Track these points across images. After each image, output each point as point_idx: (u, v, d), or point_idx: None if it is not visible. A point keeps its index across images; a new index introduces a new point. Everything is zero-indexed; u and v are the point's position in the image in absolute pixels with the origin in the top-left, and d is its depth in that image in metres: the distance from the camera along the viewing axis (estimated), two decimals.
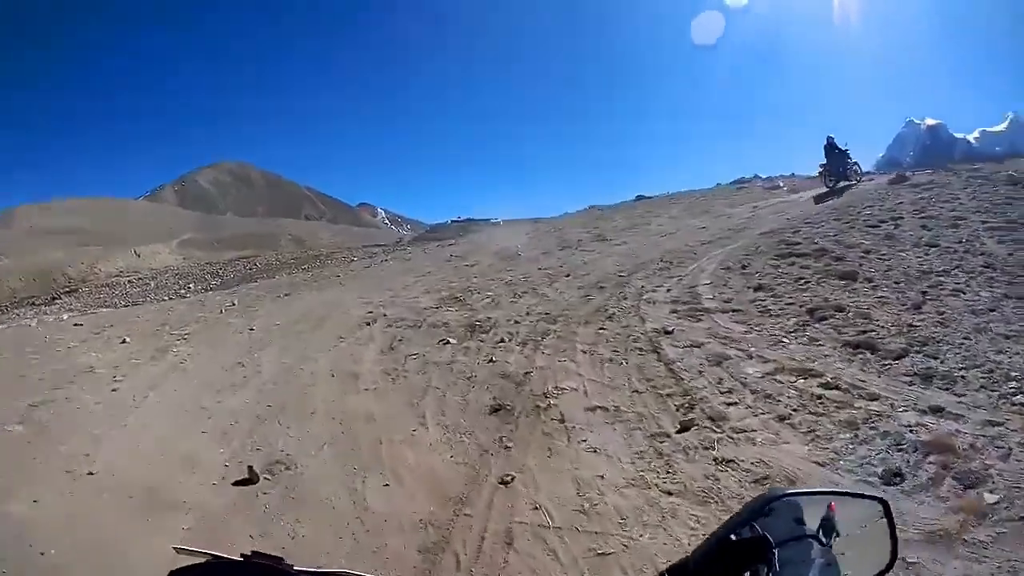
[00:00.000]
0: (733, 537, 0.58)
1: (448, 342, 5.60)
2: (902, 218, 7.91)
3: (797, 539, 0.61)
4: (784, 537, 0.59)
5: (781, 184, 19.32)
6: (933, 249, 6.35)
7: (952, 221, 7.32)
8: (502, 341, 5.44)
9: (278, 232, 46.16)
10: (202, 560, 0.67)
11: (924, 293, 5.14)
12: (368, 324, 6.67)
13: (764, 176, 25.44)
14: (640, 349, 4.85)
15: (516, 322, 6.02)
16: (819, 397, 3.55)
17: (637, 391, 4.05)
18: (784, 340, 4.59)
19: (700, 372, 4.17)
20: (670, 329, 5.16)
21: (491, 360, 4.95)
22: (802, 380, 3.79)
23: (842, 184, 14.73)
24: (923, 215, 7.86)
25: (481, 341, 5.54)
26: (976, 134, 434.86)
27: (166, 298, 15.03)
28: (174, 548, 0.72)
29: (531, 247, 12.16)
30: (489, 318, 6.25)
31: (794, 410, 3.44)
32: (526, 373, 4.55)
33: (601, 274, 8.09)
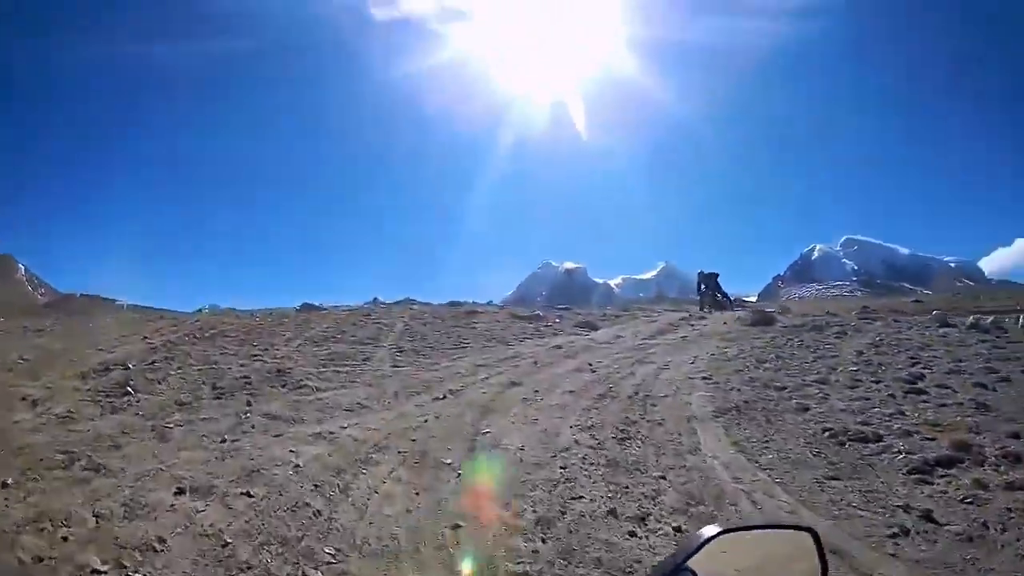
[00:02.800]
0: None
1: None
2: (930, 371, 6.92)
3: None
4: None
5: (555, 318, 13.41)
6: None
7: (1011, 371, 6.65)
8: None
9: None
10: None
11: None
12: None
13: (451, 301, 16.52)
14: None
15: None
16: None
17: None
18: None
19: None
20: None
21: None
22: None
23: (715, 313, 14.76)
24: (965, 369, 6.99)
25: None
26: (619, 280, 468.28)
27: None
28: None
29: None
30: None
31: None
32: None
33: None
